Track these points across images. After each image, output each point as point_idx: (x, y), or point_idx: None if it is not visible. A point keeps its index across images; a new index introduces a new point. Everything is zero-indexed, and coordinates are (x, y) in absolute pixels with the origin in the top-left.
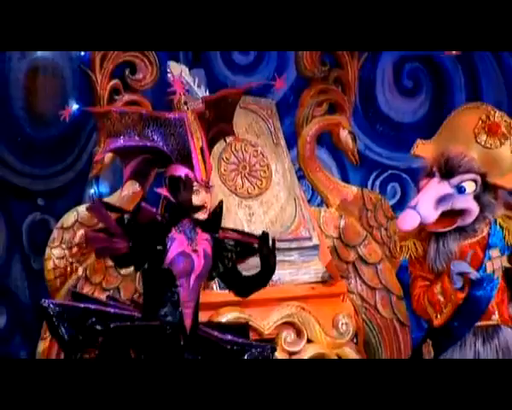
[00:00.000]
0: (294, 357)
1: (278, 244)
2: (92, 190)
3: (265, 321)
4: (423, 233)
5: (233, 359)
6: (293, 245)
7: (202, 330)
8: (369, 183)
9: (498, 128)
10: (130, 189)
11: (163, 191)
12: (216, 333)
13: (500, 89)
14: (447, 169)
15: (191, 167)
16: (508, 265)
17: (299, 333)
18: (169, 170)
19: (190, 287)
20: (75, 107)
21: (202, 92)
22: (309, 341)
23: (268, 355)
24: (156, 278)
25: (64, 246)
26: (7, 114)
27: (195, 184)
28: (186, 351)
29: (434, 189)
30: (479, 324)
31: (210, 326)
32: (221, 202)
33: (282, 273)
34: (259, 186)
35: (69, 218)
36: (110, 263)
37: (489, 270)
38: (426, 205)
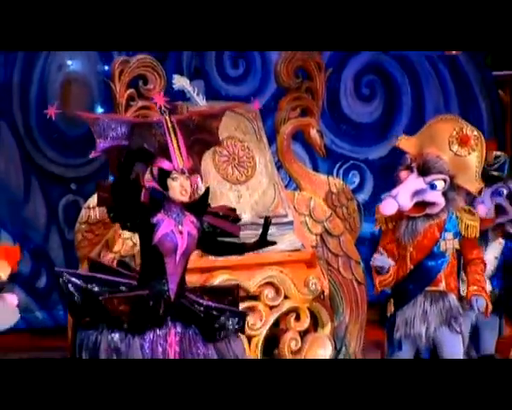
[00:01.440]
0: (274, 310)
1: (260, 220)
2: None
3: (251, 281)
4: (397, 213)
5: (209, 323)
6: (273, 221)
7: (188, 298)
8: (335, 171)
9: (468, 140)
10: None
11: (150, 182)
12: (202, 300)
13: (438, 94)
14: (424, 168)
15: (169, 159)
16: (458, 247)
17: (277, 291)
18: (154, 164)
19: (176, 263)
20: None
21: (201, 99)
22: (285, 297)
23: (240, 321)
24: (148, 254)
25: (90, 222)
26: (46, 117)
27: (174, 171)
28: (169, 317)
29: (412, 183)
30: (428, 288)
31: (200, 292)
32: (207, 189)
33: None
34: (246, 174)
35: (94, 199)
36: (126, 235)
37: (442, 248)
38: (404, 196)
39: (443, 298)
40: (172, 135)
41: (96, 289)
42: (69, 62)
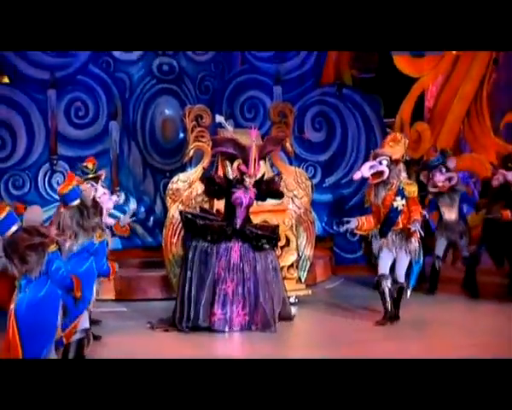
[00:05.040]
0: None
1: None
2: (189, 169)
3: (256, 220)
4: (369, 189)
5: (257, 241)
6: None
7: (247, 228)
8: (301, 166)
9: (396, 138)
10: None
11: (234, 172)
12: (253, 229)
13: (355, 130)
14: (375, 156)
15: (247, 166)
16: (404, 203)
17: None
18: (240, 164)
19: (242, 211)
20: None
21: (230, 128)
22: None
23: (274, 242)
24: (228, 207)
25: (173, 190)
26: (155, 140)
27: (246, 174)
28: (235, 236)
29: (369, 163)
30: (393, 228)
31: (253, 226)
32: (263, 176)
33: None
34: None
35: (175, 178)
36: (197, 193)
37: (395, 205)
38: (364, 169)
39: (401, 233)
40: (252, 155)
41: (196, 220)
42: (166, 111)
